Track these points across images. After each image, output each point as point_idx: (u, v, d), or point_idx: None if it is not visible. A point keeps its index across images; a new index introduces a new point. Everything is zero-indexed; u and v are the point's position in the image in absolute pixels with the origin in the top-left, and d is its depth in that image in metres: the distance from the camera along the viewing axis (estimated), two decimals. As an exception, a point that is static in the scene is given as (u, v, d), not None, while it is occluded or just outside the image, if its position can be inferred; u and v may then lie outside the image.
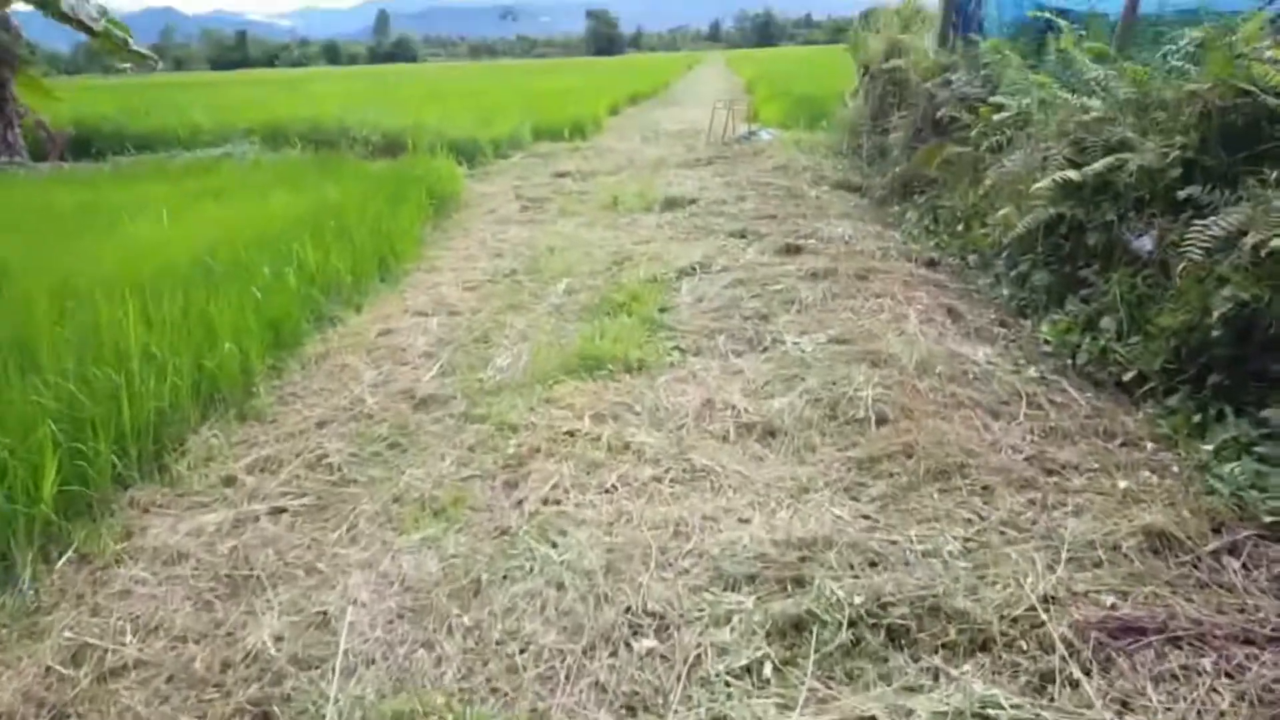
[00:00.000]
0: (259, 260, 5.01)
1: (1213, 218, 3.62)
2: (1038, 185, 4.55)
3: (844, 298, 4.99)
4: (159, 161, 10.62)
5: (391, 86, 29.73)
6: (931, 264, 5.90)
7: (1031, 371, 3.89)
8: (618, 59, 73.95)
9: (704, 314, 4.79)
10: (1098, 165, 4.48)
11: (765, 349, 4.24)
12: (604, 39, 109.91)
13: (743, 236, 6.59)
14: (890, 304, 4.84)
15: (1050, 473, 2.99)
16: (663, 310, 4.88)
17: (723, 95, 25.18)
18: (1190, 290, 3.62)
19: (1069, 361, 4.04)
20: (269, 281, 4.74)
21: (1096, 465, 3.03)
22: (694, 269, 5.64)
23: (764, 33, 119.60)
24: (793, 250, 6.14)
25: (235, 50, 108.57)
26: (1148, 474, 3.02)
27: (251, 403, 3.89)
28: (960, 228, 6.48)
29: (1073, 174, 4.51)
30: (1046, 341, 4.28)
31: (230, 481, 3.23)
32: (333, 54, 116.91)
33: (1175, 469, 3.06)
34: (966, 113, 7.22)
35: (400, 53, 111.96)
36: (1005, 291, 5.07)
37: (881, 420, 3.36)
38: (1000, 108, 6.71)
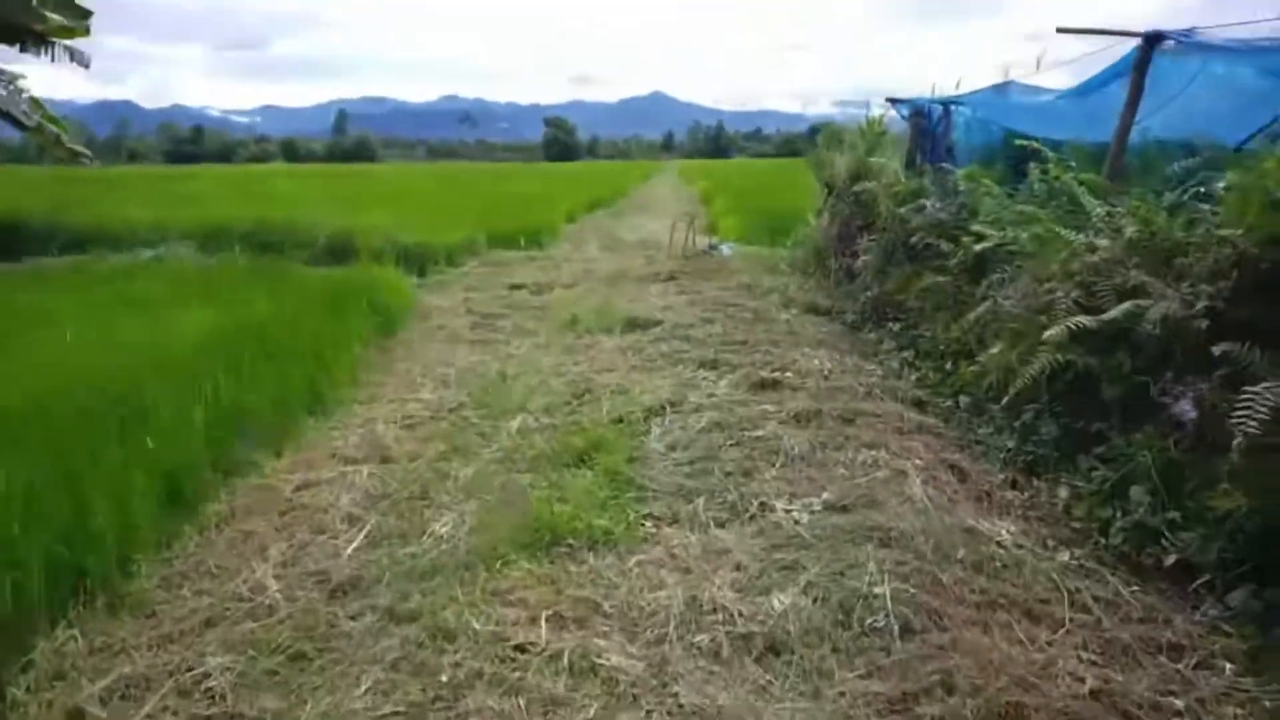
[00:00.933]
0: (162, 394, 4.31)
1: (1266, 383, 3.17)
2: (1050, 333, 4.10)
3: (833, 448, 4.44)
4: (81, 264, 9.90)
5: (346, 186, 29.42)
6: (920, 405, 5.42)
7: (1064, 556, 3.33)
8: (574, 165, 75.34)
9: (678, 467, 4.18)
10: (1114, 313, 4.07)
11: (752, 517, 3.63)
12: (561, 145, 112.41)
13: (714, 367, 6.06)
14: (886, 457, 4.29)
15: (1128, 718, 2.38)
16: (630, 460, 4.26)
17: (678, 205, 25.35)
18: (1249, 468, 3.13)
19: (1100, 540, 3.50)
20: (169, 424, 4.03)
21: (1179, 706, 2.43)
22: (663, 407, 5.07)
23: (715, 144, 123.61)
24: (769, 385, 5.61)
25: (191, 144, 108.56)
26: (1236, 713, 2.44)
27: (129, 586, 3.14)
28: (946, 364, 6.05)
29: (1086, 320, 4.09)
30: (1069, 513, 3.75)
31: (77, 718, 2.46)
32: (291, 151, 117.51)
33: (1267, 704, 2.49)
34: (944, 241, 6.92)
35: (359, 152, 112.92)
36: (1009, 444, 4.56)
37: (907, 630, 2.75)
38: (980, 237, 6.42)
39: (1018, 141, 7.01)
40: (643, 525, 3.55)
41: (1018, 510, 3.77)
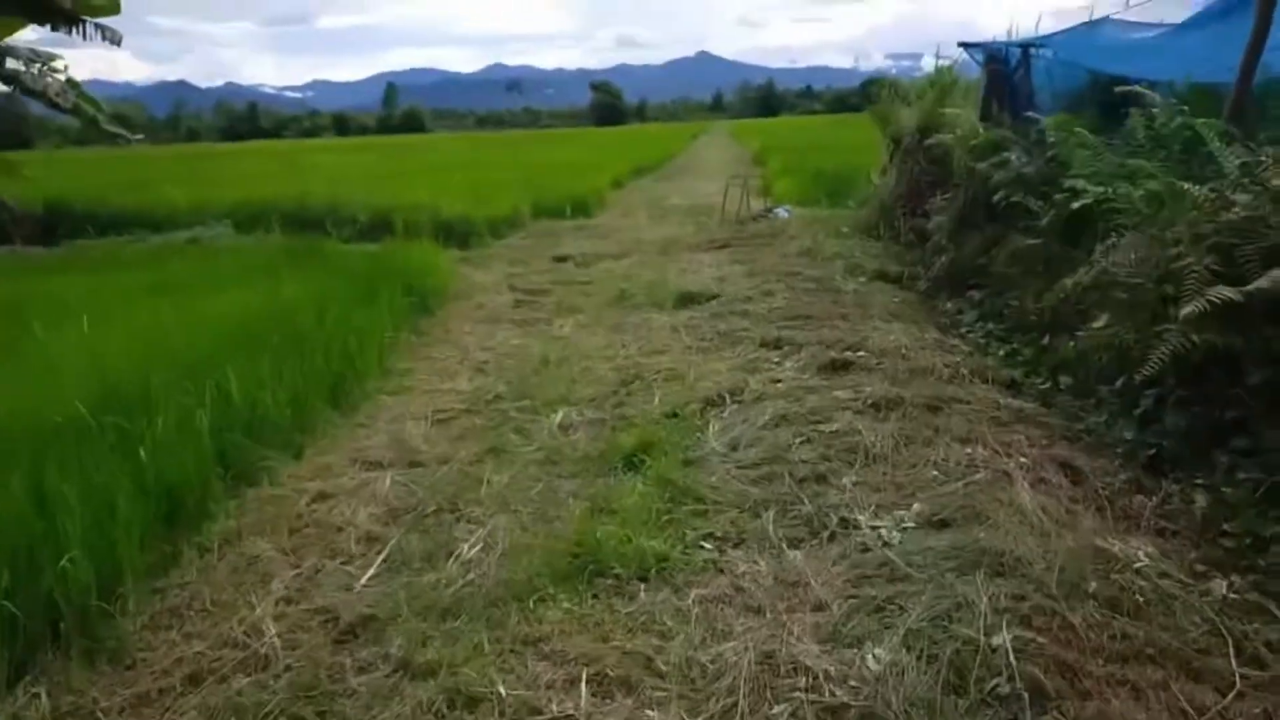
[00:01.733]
0: (169, 393, 3.90)
1: None
2: (1186, 310, 3.43)
3: (920, 444, 3.84)
4: (116, 247, 9.67)
5: (392, 159, 29.21)
6: (1014, 388, 4.78)
7: (1219, 586, 2.71)
8: (621, 129, 74.33)
9: (741, 471, 3.64)
10: (1263, 282, 3.38)
11: (832, 536, 3.08)
12: (608, 110, 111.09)
13: (777, 346, 5.48)
14: (984, 455, 3.69)
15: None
16: (686, 463, 3.72)
17: (730, 167, 24.42)
18: None
19: (1259, 562, 2.87)
20: (173, 430, 3.61)
21: None
22: (722, 397, 4.51)
23: (765, 104, 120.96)
24: (840, 367, 5.02)
25: (246, 121, 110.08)
26: None
27: (111, 626, 2.73)
28: (1040, 339, 5.37)
29: (1229, 292, 3.41)
30: (1212, 526, 3.11)
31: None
32: (342, 125, 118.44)
33: None
34: (1033, 198, 6.19)
35: (409, 124, 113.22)
36: (1127, 435, 3.91)
37: (1039, 695, 2.18)
38: (1075, 194, 5.69)
39: (1117, 88, 6.21)
40: (703, 548, 3.02)
41: (1150, 523, 3.15)
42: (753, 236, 10.30)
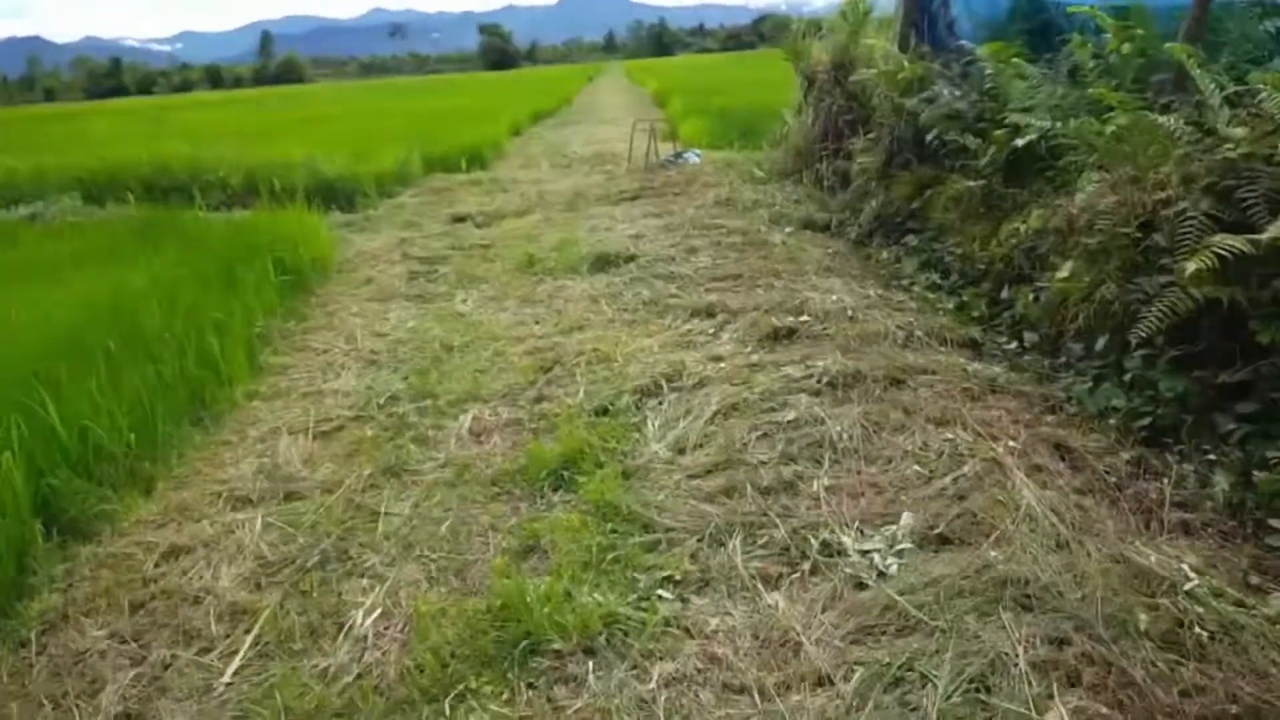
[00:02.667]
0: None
1: None
2: (1193, 266, 2.96)
3: (891, 429, 3.32)
4: (-66, 229, 8.32)
5: (269, 112, 27.25)
6: (977, 349, 4.32)
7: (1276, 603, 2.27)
8: (514, 73, 71.87)
9: (693, 483, 3.04)
10: (1276, 230, 2.95)
11: (816, 567, 2.53)
12: (498, 54, 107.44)
13: (710, 315, 4.88)
14: (967, 439, 3.20)
15: None
16: (626, 475, 3.11)
17: (630, 109, 23.57)
18: None
19: (1310, 560, 2.46)
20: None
21: None
22: (658, 384, 3.89)
23: (659, 43, 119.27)
24: (784, 336, 4.46)
25: (110, 78, 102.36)
26: None
27: None
28: (992, 290, 4.93)
29: (1238, 243, 2.96)
30: (1246, 516, 2.69)
31: None
32: (215, 78, 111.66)
33: None
34: (970, 136, 5.73)
35: (287, 74, 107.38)
36: (1115, 403, 3.48)
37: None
38: (1018, 130, 5.25)
39: (1069, 9, 5.75)
40: (660, 598, 2.42)
41: (1172, 517, 2.70)
42: (664, 185, 9.63)
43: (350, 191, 10.53)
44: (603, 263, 6.23)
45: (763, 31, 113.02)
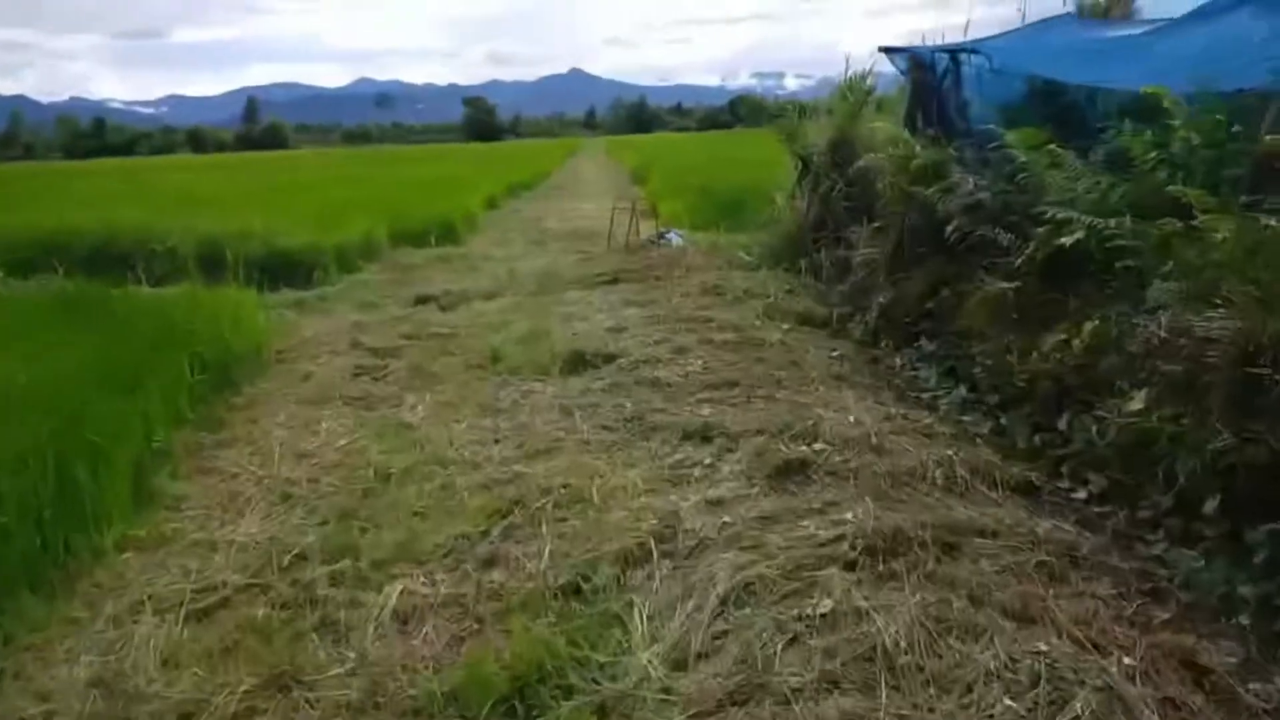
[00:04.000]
0: None
1: None
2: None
3: (961, 631, 2.47)
4: None
5: (244, 176, 26.59)
6: (1034, 494, 3.52)
7: None
8: (495, 145, 72.28)
9: (701, 721, 2.16)
10: None
11: None
12: (481, 125, 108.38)
13: (706, 438, 4.05)
14: (1065, 651, 2.35)
15: None
16: (604, 713, 2.22)
17: (609, 185, 23.12)
18: None
19: None
20: None
21: None
22: (646, 548, 3.02)
23: (638, 121, 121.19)
24: (797, 470, 3.64)
25: (92, 138, 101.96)
26: None
27: None
28: (1039, 414, 4.15)
29: None
30: None
31: None
32: (198, 141, 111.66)
33: None
34: (1000, 231, 5.04)
35: (270, 140, 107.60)
36: (1243, 590, 2.67)
37: None
38: (1059, 226, 4.56)
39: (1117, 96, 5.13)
40: None
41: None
42: (646, 269, 8.90)
43: (309, 265, 9.72)
44: (577, 363, 5.41)
45: (738, 112, 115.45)
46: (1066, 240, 4.45)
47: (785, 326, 6.19)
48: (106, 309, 6.41)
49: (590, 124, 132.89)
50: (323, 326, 7.05)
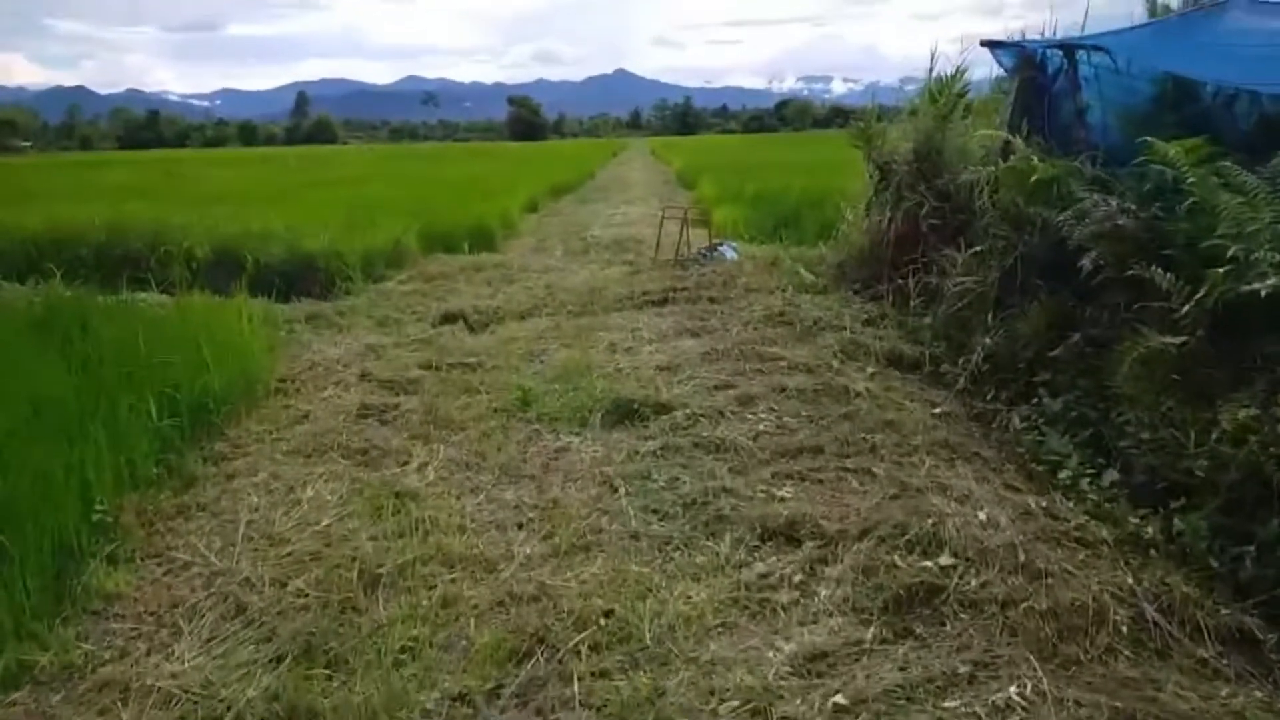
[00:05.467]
0: None
1: None
2: None
3: None
4: None
5: (287, 171, 26.11)
6: (1254, 649, 2.52)
7: None
8: (537, 144, 71.76)
9: None
10: None
11: None
12: (525, 125, 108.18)
13: (792, 540, 3.09)
14: None
15: None
16: None
17: (654, 188, 22.18)
18: None
19: None
20: None
21: None
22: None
23: (683, 122, 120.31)
24: (921, 601, 2.68)
25: (146, 129, 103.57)
26: None
27: None
28: (1230, 518, 3.14)
29: None
30: None
31: None
32: (249, 134, 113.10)
33: None
34: (1157, 270, 4.01)
35: (319, 134, 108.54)
36: None
37: None
38: (1239, 267, 3.57)
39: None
40: None
41: None
42: (699, 287, 7.95)
43: (332, 272, 8.92)
44: (622, 412, 4.47)
45: (784, 115, 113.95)
46: (1259, 287, 3.44)
47: (870, 370, 5.21)
48: (82, 325, 5.61)
49: (635, 124, 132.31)
50: (333, 350, 6.19)
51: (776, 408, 4.48)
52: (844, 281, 7.60)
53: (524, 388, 4.91)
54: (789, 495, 3.44)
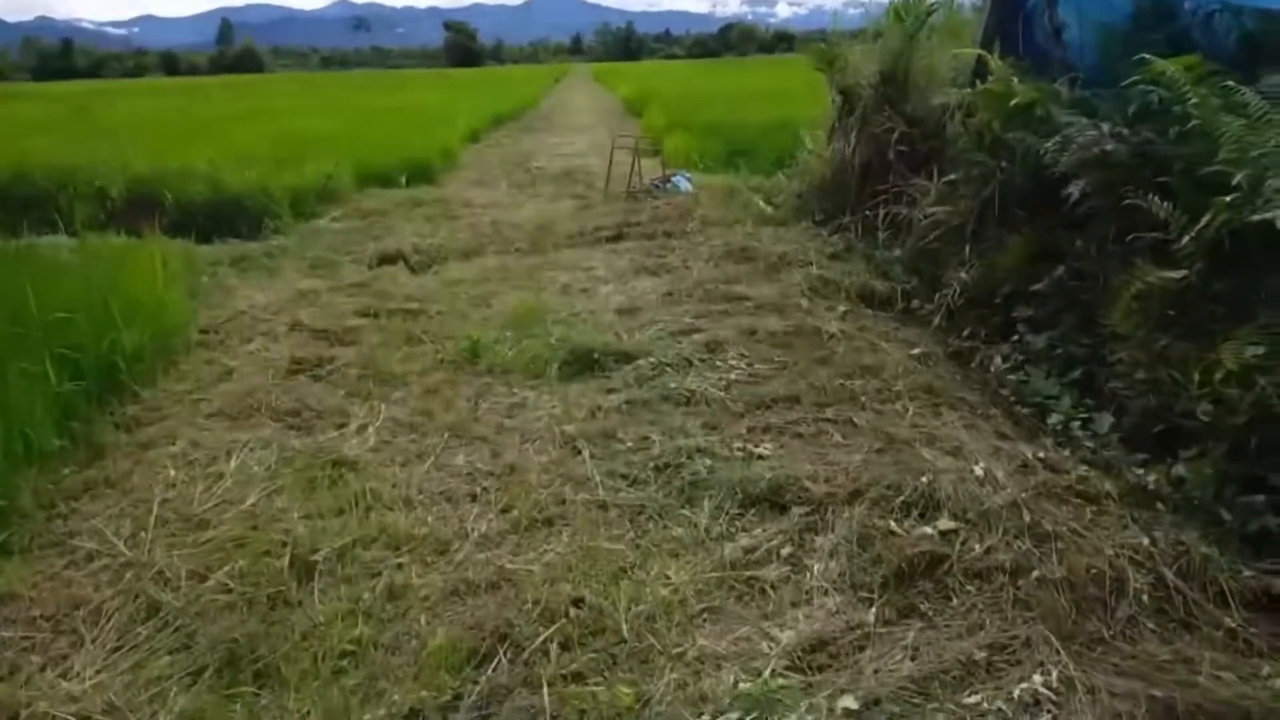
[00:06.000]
0: None
1: None
2: None
3: None
4: None
5: (210, 104, 24.66)
6: (1275, 609, 2.33)
7: None
8: (476, 71, 69.31)
9: None
10: None
11: None
12: (463, 51, 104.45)
13: (777, 505, 2.81)
14: None
15: None
16: None
17: (600, 117, 21.42)
18: None
19: None
20: None
21: None
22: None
23: (626, 47, 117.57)
24: (923, 573, 2.42)
25: (59, 59, 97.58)
26: None
27: None
28: (1240, 464, 2.94)
29: None
30: None
31: None
32: (170, 64, 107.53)
33: None
34: (1154, 198, 3.74)
35: (245, 63, 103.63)
36: None
37: None
38: (1253, 195, 3.33)
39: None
40: None
41: None
42: (654, 220, 7.56)
43: (259, 210, 8.30)
44: (581, 363, 4.12)
45: (729, 40, 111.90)
46: (1270, 216, 3.19)
47: (841, 308, 4.92)
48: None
49: (577, 50, 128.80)
50: (263, 295, 5.70)
51: (747, 353, 4.17)
52: (806, 213, 7.27)
53: (472, 336, 4.52)
54: (769, 453, 3.15)
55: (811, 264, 5.75)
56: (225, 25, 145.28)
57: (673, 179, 9.46)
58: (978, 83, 5.33)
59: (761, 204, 7.79)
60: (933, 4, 6.63)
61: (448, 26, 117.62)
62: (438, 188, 10.40)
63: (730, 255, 6.14)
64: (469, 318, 5.04)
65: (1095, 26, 5.72)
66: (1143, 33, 5.31)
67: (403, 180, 10.27)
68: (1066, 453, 3.25)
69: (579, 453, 3.22)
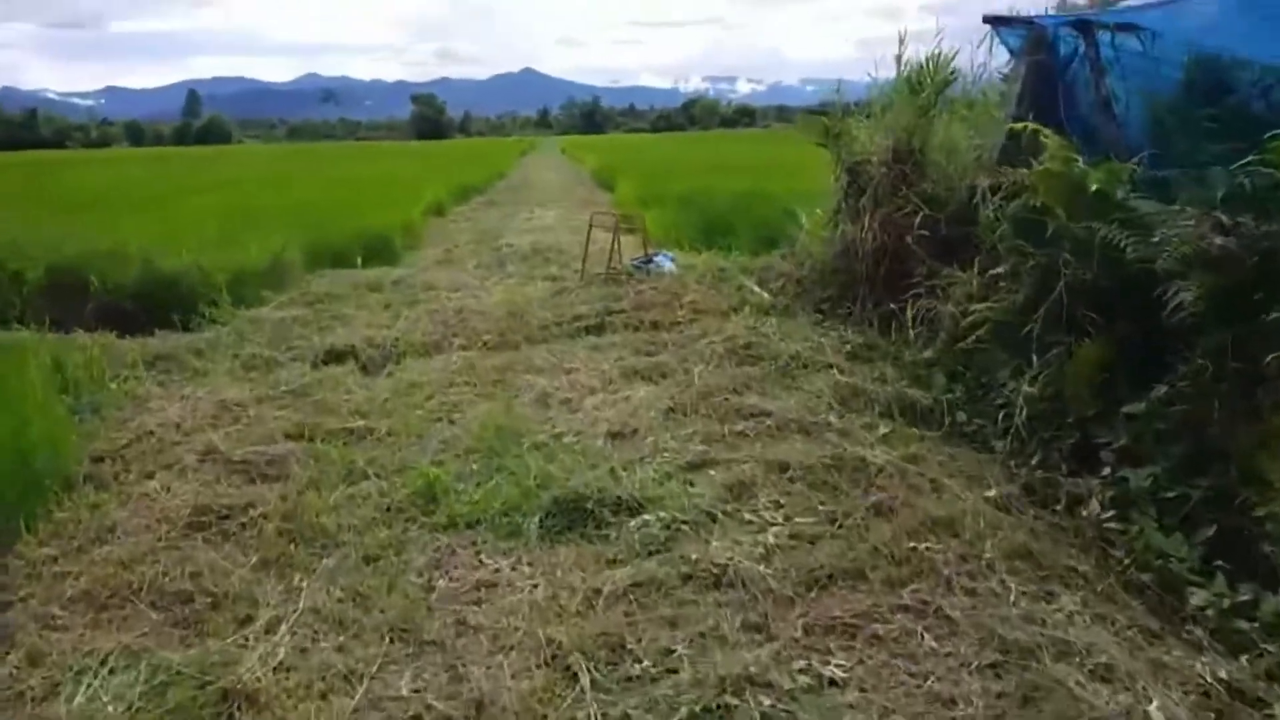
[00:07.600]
0: None
1: None
2: None
3: None
4: None
5: (170, 175, 23.72)
6: None
7: None
8: (444, 143, 69.26)
9: None
10: None
11: None
12: (430, 124, 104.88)
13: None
14: None
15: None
16: None
17: (571, 189, 20.79)
18: None
19: None
20: None
21: None
22: None
23: (591, 120, 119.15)
24: None
25: (24, 129, 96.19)
26: None
27: None
28: None
29: None
30: None
31: None
32: (136, 134, 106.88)
33: None
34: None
35: (212, 134, 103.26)
36: None
37: None
38: None
39: None
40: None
41: None
42: (639, 308, 6.72)
43: (195, 296, 7.35)
44: (569, 514, 3.18)
45: (692, 114, 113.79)
46: None
47: (881, 429, 4.05)
48: None
49: (544, 123, 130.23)
50: (179, 408, 4.71)
51: (781, 500, 3.26)
52: (808, 301, 6.48)
53: (428, 472, 3.57)
54: (844, 675, 2.23)
55: (831, 366, 4.92)
56: (192, 96, 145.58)
57: (655, 258, 8.67)
58: (1017, 161, 4.59)
59: (758, 290, 7.00)
60: (951, 74, 5.98)
61: (415, 100, 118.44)
62: (398, 267, 9.50)
63: (733, 354, 5.29)
64: (425, 441, 4.09)
65: (1141, 96, 5.08)
66: (1196, 105, 4.67)
67: (359, 260, 9.37)
68: (1244, 661, 2.36)
69: (575, 679, 2.26)
